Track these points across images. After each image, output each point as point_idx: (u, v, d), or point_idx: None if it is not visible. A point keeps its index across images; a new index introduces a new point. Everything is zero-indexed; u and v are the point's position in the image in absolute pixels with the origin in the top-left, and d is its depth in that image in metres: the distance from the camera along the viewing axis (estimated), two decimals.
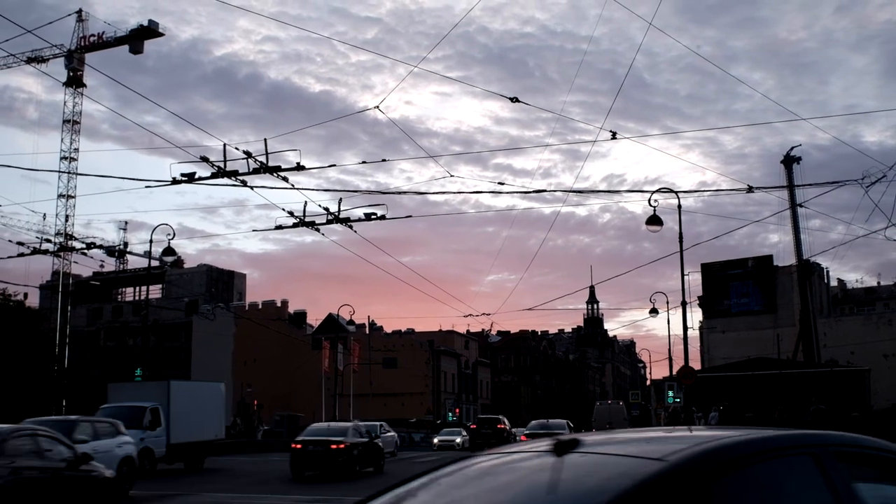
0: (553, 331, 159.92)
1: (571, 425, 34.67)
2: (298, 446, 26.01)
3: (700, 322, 78.99)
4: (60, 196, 67.66)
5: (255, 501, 20.52)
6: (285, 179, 21.95)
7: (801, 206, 49.62)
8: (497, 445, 30.67)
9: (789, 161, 55.27)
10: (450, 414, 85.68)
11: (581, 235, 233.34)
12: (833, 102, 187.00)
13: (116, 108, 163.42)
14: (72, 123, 69.04)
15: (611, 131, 22.75)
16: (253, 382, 78.94)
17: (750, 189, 25.54)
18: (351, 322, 66.68)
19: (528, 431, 31.59)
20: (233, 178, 21.98)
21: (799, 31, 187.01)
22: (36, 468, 12.09)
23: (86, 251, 52.48)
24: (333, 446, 25.60)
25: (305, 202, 24.43)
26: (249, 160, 21.43)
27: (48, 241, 47.97)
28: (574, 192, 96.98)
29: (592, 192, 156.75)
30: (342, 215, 24.65)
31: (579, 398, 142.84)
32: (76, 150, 68.93)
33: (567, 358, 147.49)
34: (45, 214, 54.78)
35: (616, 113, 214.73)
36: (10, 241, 35.27)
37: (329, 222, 24.60)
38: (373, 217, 24.63)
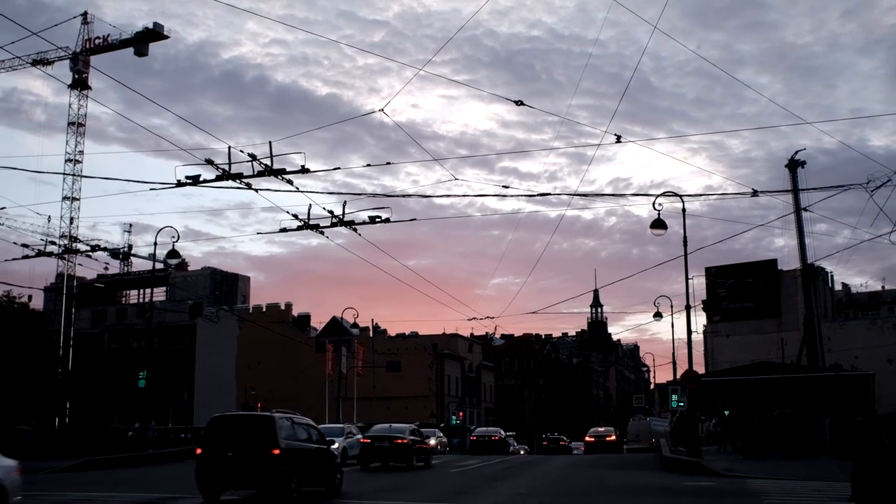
0: (557, 334, 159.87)
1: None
2: (367, 441, 31.07)
3: (704, 326, 78.89)
4: (65, 198, 67.85)
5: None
6: (290, 182, 21.98)
7: (805, 210, 49.56)
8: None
9: (794, 165, 55.13)
10: (453, 417, 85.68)
11: (586, 239, 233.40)
12: (840, 106, 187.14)
13: (123, 111, 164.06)
14: (77, 126, 69.22)
15: (616, 135, 22.78)
16: (256, 385, 78.97)
17: (755, 193, 25.52)
18: (355, 325, 66.70)
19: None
20: (238, 181, 22.02)
21: (806, 35, 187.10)
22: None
23: (90, 253, 52.67)
24: (398, 440, 30.51)
25: (310, 205, 24.39)
26: (254, 163, 21.46)
27: (53, 243, 48.10)
28: (579, 195, 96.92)
29: (597, 195, 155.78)
30: (347, 218, 24.66)
31: (583, 402, 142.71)
32: (81, 152, 69.15)
33: (571, 362, 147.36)
34: (49, 217, 55.02)
35: (623, 117, 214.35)
36: (15, 243, 35.36)
37: (333, 225, 24.62)
38: (377, 220, 24.63)
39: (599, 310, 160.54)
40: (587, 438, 58.16)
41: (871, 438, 10.99)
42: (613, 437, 57.64)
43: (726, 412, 37.67)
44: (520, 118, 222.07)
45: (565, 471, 30.22)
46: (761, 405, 36.99)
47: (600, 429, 63.94)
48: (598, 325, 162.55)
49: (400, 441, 30.62)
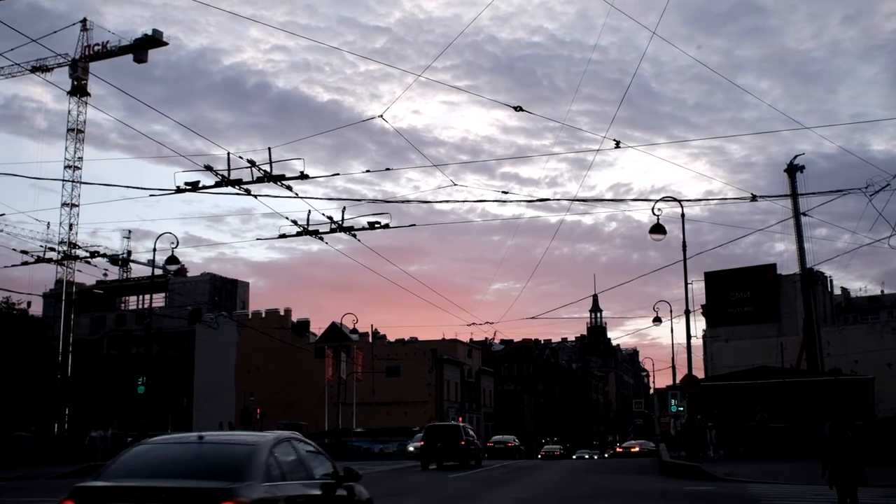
0: (557, 339, 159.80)
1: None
2: (423, 442, 37.16)
3: (704, 331, 78.91)
4: (65, 205, 67.84)
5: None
6: (289, 188, 22.00)
7: (804, 214, 49.74)
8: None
9: (793, 170, 55.26)
10: (453, 422, 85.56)
11: (587, 244, 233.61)
12: (840, 111, 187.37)
13: (125, 118, 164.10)
14: (76, 132, 69.25)
15: (615, 140, 22.83)
16: (256, 391, 78.89)
17: (754, 198, 25.57)
18: (354, 331, 66.65)
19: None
20: (237, 187, 22.03)
21: (807, 40, 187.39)
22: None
23: (90, 260, 52.63)
24: (461, 442, 36.18)
25: (309, 211, 24.38)
26: (254, 169, 21.47)
27: (52, 249, 47.99)
28: (579, 200, 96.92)
29: (597, 200, 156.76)
30: (347, 224, 24.67)
31: (582, 407, 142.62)
32: (80, 158, 69.16)
33: (570, 366, 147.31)
34: (49, 223, 55.00)
35: (624, 122, 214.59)
36: (14, 249, 35.31)
37: (333, 231, 24.62)
38: (377, 226, 24.64)
39: (599, 315, 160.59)
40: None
41: (839, 436, 14.16)
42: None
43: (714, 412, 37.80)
44: (520, 124, 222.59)
45: (566, 476, 30.21)
46: (758, 409, 37.11)
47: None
48: (597, 329, 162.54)
49: (463, 443, 36.56)
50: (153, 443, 9.04)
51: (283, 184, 21.80)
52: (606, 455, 67.66)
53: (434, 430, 37.96)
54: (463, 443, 35.87)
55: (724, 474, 26.12)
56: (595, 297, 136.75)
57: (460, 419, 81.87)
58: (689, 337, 33.91)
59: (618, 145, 22.94)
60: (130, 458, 8.29)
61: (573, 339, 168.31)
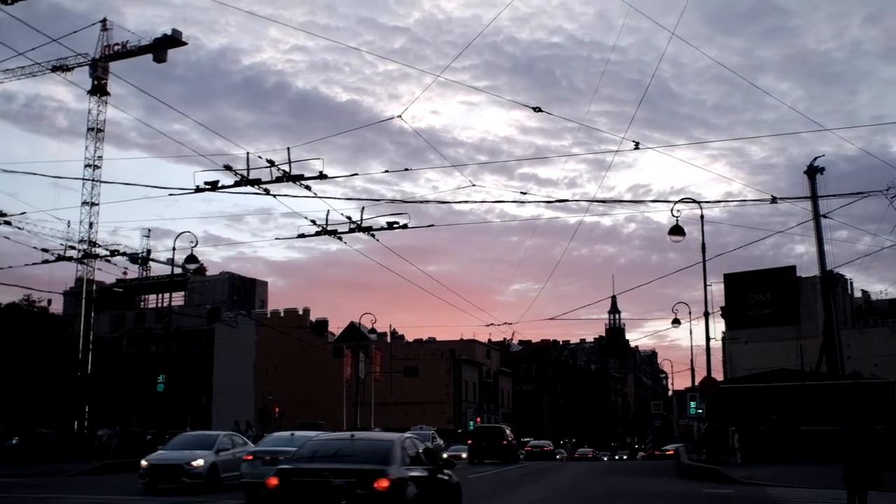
0: (575, 340, 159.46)
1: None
2: (471, 441, 42.05)
3: (723, 333, 78.55)
4: (84, 203, 68.12)
5: None
6: (308, 188, 22.02)
7: (825, 216, 49.35)
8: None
9: (812, 172, 54.86)
10: (471, 423, 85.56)
11: (605, 245, 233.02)
12: (861, 113, 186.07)
13: (144, 117, 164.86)
14: (96, 131, 69.54)
15: (634, 141, 22.75)
16: (274, 390, 79.09)
17: (773, 200, 25.43)
18: (372, 330, 66.62)
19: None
20: (255, 187, 22.06)
21: (827, 41, 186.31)
22: None
23: (109, 258, 52.82)
24: (504, 442, 41.17)
25: (328, 211, 24.38)
26: (273, 169, 21.50)
27: (72, 247, 48.18)
28: (597, 202, 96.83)
29: (615, 201, 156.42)
30: (365, 224, 24.65)
31: (601, 408, 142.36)
32: (100, 157, 69.44)
33: (589, 368, 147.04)
34: (69, 221, 55.20)
35: (643, 123, 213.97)
36: (35, 247, 35.50)
37: (352, 231, 24.62)
38: (395, 226, 24.62)
39: (618, 316, 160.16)
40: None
41: (852, 439, 15.16)
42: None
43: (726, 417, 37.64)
44: (539, 124, 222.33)
45: (583, 477, 30.17)
46: (766, 411, 37.02)
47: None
48: (616, 331, 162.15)
49: (507, 442, 41.68)
50: (322, 439, 13.96)
51: (301, 184, 21.83)
52: (640, 457, 68.64)
53: (481, 431, 44.88)
54: (505, 442, 41.74)
55: (743, 477, 26.01)
56: (614, 299, 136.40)
57: (479, 420, 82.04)
58: (708, 339, 33.80)
59: (637, 146, 22.89)
60: (308, 449, 12.89)
61: (592, 340, 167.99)
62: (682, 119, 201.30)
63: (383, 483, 11.43)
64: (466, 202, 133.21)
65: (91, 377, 63.26)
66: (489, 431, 44.36)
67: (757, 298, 75.81)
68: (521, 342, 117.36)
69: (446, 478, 13.87)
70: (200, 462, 22.22)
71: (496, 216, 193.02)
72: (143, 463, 22.74)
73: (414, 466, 12.36)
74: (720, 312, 73.64)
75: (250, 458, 19.89)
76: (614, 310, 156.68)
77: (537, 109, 21.70)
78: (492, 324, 68.15)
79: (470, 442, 42.71)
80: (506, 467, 36.02)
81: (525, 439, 72.73)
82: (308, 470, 11.80)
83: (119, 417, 66.36)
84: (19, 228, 30.20)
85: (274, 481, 11.69)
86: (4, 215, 28.74)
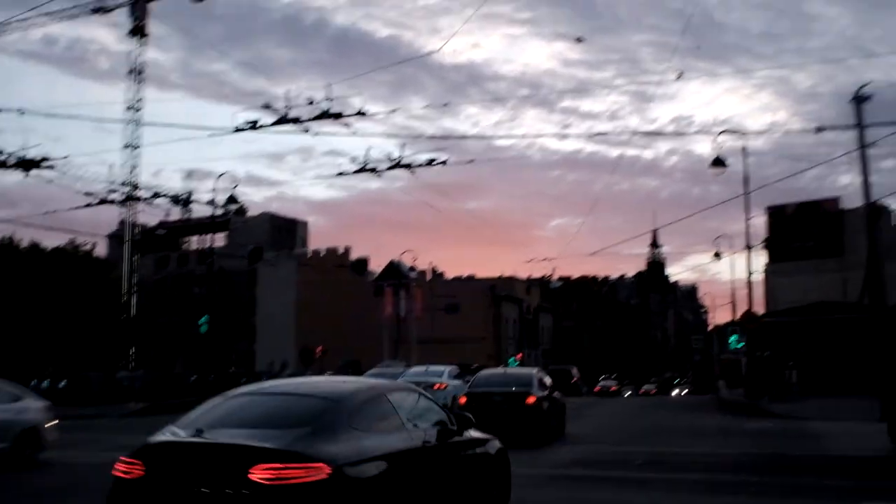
0: (615, 275, 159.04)
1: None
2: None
3: (765, 266, 77.91)
4: (126, 146, 68.47)
5: None
6: (347, 126, 21.99)
7: (871, 146, 48.44)
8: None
9: (859, 100, 53.66)
10: (511, 359, 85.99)
11: (647, 178, 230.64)
12: None
13: (185, 57, 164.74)
14: (136, 73, 69.60)
15: (678, 71, 22.42)
16: (315, 329, 79.78)
17: (818, 129, 25.05)
18: (412, 268, 66.99)
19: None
20: (295, 125, 22.04)
21: None
22: None
23: (152, 201, 53.19)
24: (572, 381, 46.08)
25: (368, 148, 24.51)
26: (313, 106, 21.44)
27: (115, 191, 48.58)
28: (640, 134, 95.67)
29: (657, 133, 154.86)
30: (406, 161, 24.57)
31: (642, 344, 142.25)
32: (141, 99, 69.57)
33: (629, 303, 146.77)
34: (111, 164, 55.48)
35: (686, 53, 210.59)
36: (79, 192, 35.84)
37: (391, 168, 24.57)
38: (435, 163, 24.52)
39: (658, 250, 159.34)
40: None
41: (892, 372, 15.45)
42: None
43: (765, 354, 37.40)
44: (582, 56, 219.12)
45: (626, 413, 30.26)
46: (821, 346, 36.78)
47: None
48: (656, 266, 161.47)
49: (571, 381, 46.71)
50: (486, 373, 21.95)
51: (342, 121, 21.79)
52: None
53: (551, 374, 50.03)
54: (573, 381, 48.13)
55: (784, 412, 25.96)
56: (654, 233, 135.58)
57: (520, 355, 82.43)
58: (749, 272, 33.62)
59: (680, 76, 22.60)
60: (480, 379, 21.12)
61: (632, 275, 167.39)
62: (727, 48, 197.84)
63: (531, 399, 19.20)
64: (507, 137, 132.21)
65: (136, 319, 64.09)
66: (556, 373, 44.20)
67: (800, 231, 74.94)
68: (561, 278, 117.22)
69: (557, 397, 21.55)
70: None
71: (537, 150, 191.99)
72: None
73: (543, 390, 20.15)
74: (762, 245, 73.02)
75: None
76: (655, 244, 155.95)
77: (579, 40, 21.84)
78: (532, 259, 68.75)
79: None
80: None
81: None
82: (482, 392, 19.72)
83: (164, 360, 67.44)
84: (63, 173, 30.50)
85: (463, 399, 19.88)
86: (48, 160, 29.00)
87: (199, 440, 6.75)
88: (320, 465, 6.39)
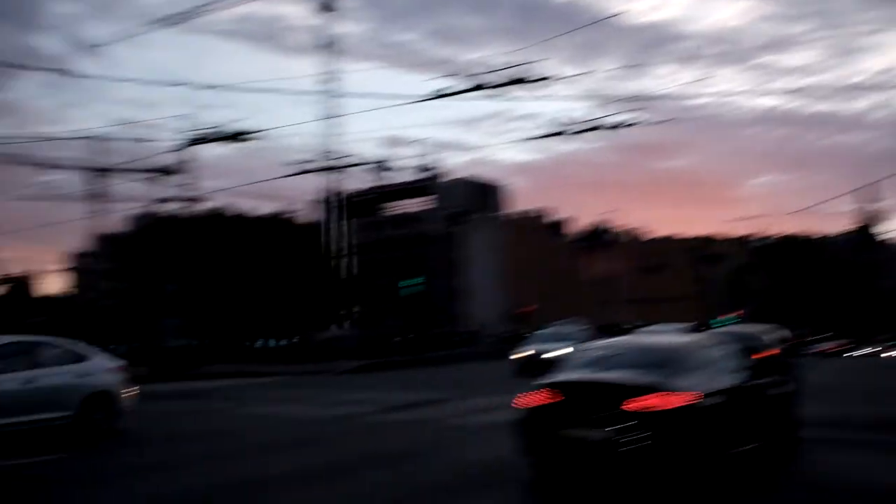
0: (824, 233, 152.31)
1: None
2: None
3: None
4: (325, 117, 70.28)
5: None
6: (540, 89, 21.69)
7: None
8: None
9: None
10: (720, 319, 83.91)
11: (852, 134, 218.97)
12: None
13: (376, 29, 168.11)
14: (330, 45, 71.22)
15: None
16: (517, 290, 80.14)
17: None
18: (613, 229, 66.27)
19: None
20: (487, 91, 21.95)
21: None
22: None
23: (351, 168, 54.52)
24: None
25: (561, 111, 24.07)
26: (503, 72, 21.30)
27: (314, 161, 49.98)
28: (843, 88, 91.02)
29: (859, 88, 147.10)
30: (599, 123, 24.19)
31: (854, 302, 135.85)
32: (334, 72, 71.22)
33: (840, 260, 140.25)
34: (312, 136, 57.23)
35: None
36: (282, 163, 37.22)
37: (586, 130, 24.23)
38: (628, 123, 24.07)
39: (871, 207, 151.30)
40: None
41: None
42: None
43: None
44: (777, 9, 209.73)
45: (852, 371, 28.96)
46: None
47: None
48: (868, 223, 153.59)
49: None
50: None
51: (532, 86, 21.55)
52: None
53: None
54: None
55: None
56: (865, 189, 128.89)
57: (742, 312, 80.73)
58: None
59: None
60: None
61: (842, 232, 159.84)
62: None
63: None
64: (702, 95, 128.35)
65: (347, 282, 65.91)
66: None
67: None
68: (766, 236, 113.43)
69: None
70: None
71: (734, 108, 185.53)
72: None
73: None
74: None
75: None
76: (866, 200, 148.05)
77: None
78: (737, 218, 66.45)
79: None
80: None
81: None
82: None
83: (374, 319, 69.30)
84: (267, 144, 31.52)
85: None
86: (256, 131, 30.01)
87: (594, 378, 9.59)
88: (679, 394, 8.96)
